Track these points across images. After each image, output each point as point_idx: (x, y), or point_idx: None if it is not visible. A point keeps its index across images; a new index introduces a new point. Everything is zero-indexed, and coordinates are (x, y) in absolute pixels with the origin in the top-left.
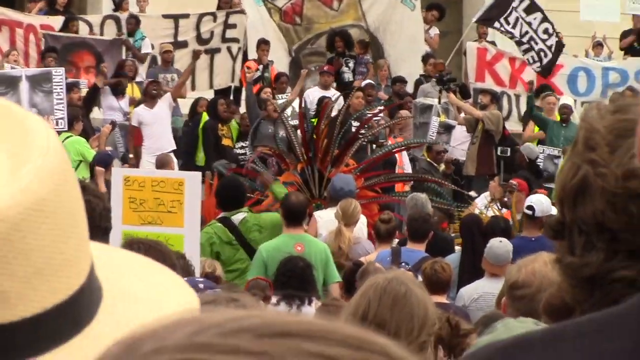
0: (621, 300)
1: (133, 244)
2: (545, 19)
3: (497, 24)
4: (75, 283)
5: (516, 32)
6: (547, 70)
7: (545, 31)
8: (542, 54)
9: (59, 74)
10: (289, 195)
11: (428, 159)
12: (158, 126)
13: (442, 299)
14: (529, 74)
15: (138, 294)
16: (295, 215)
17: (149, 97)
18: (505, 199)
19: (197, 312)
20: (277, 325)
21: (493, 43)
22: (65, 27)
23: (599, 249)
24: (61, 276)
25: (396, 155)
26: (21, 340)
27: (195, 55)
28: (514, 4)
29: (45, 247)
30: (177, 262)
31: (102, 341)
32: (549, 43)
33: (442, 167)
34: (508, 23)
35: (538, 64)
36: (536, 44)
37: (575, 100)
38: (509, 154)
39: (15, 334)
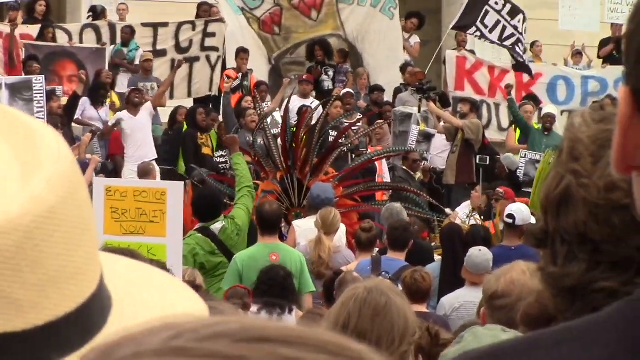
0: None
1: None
2: (525, 19)
3: (473, 29)
4: (87, 291)
5: (494, 36)
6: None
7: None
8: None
9: (39, 82)
10: (263, 204)
11: (404, 167)
12: (140, 134)
13: (422, 308)
14: (508, 81)
15: (147, 301)
16: (270, 224)
17: (132, 105)
18: (485, 208)
19: (174, 319)
20: (255, 330)
21: (472, 52)
22: (41, 35)
23: (580, 259)
24: (73, 284)
25: (376, 163)
26: (34, 348)
27: (178, 65)
28: (496, 7)
29: (58, 255)
30: None
31: None
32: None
33: (419, 175)
34: (486, 27)
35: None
36: (522, 44)
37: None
38: (488, 162)
39: (28, 342)
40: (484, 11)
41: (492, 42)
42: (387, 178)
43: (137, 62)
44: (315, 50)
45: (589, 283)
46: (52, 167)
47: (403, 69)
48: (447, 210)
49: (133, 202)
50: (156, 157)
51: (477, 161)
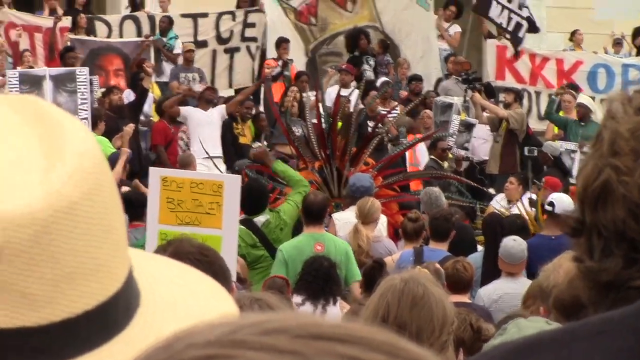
0: None
1: (182, 255)
2: None
3: (492, 12)
4: (109, 289)
5: (503, 19)
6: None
7: (520, 6)
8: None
9: (82, 73)
10: (308, 194)
11: (433, 157)
12: (207, 129)
13: (464, 298)
14: (550, 70)
15: (177, 302)
16: (315, 214)
17: (204, 101)
18: (530, 198)
19: (235, 316)
20: (312, 327)
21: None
22: (74, 24)
23: (617, 255)
24: (93, 282)
25: (406, 153)
26: (48, 344)
27: (260, 82)
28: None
29: (77, 252)
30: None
31: (134, 348)
32: (524, 14)
33: (446, 164)
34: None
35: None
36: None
37: (594, 97)
38: (535, 153)
39: (43, 338)
40: None
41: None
42: (422, 166)
43: (176, 51)
44: (361, 39)
45: (625, 280)
46: (75, 161)
47: (447, 58)
48: (491, 190)
49: (189, 194)
50: (221, 155)
51: (526, 152)
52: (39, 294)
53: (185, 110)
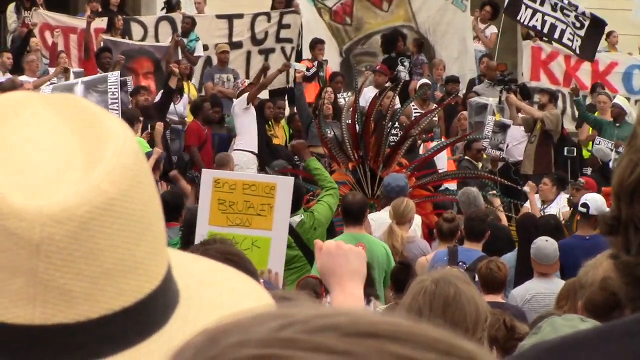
0: None
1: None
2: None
3: (522, 10)
4: (147, 287)
5: (537, 22)
6: (589, 50)
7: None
8: (574, 31)
9: (114, 76)
10: (346, 195)
11: (467, 157)
12: (251, 126)
13: (498, 298)
14: (584, 72)
15: (215, 301)
16: (355, 215)
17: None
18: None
19: (282, 307)
20: (364, 324)
21: (548, 41)
22: (110, 26)
23: None
24: (131, 279)
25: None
26: (85, 341)
27: (283, 66)
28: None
29: (115, 248)
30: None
31: (172, 346)
32: (578, 13)
33: (480, 165)
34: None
35: (578, 43)
36: (564, 23)
37: (628, 99)
38: (575, 153)
39: (80, 334)
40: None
41: (534, 29)
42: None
43: (195, 53)
44: (398, 41)
45: None
46: (114, 159)
47: (481, 59)
48: (525, 188)
49: (241, 195)
50: (256, 151)
51: (565, 153)
52: (77, 291)
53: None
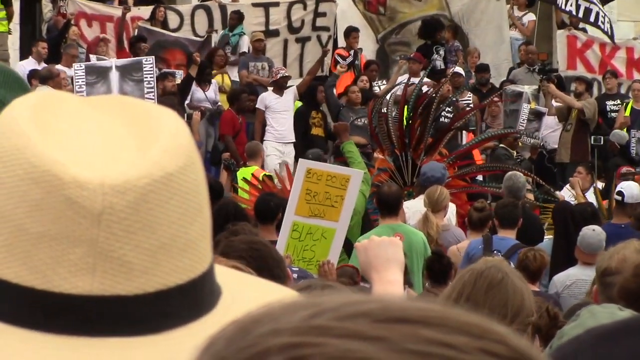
0: None
1: (232, 253)
2: None
3: (560, 2)
4: (199, 268)
5: (572, 7)
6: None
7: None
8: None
9: (149, 62)
10: (382, 186)
11: (503, 145)
12: (285, 115)
13: (534, 287)
14: (620, 59)
15: (252, 297)
16: (390, 206)
17: (278, 87)
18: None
19: (312, 296)
20: (395, 310)
21: (584, 30)
22: (153, 16)
23: None
24: (185, 257)
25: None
26: (141, 314)
27: (324, 53)
28: None
29: (171, 224)
30: None
31: None
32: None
33: (515, 153)
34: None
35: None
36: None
37: None
38: (602, 142)
39: (136, 307)
40: None
41: (571, 14)
42: None
43: (242, 49)
44: (438, 29)
45: None
46: (169, 139)
47: (519, 47)
48: (557, 194)
49: (324, 186)
50: (294, 140)
51: (592, 142)
52: (136, 263)
53: (261, 97)
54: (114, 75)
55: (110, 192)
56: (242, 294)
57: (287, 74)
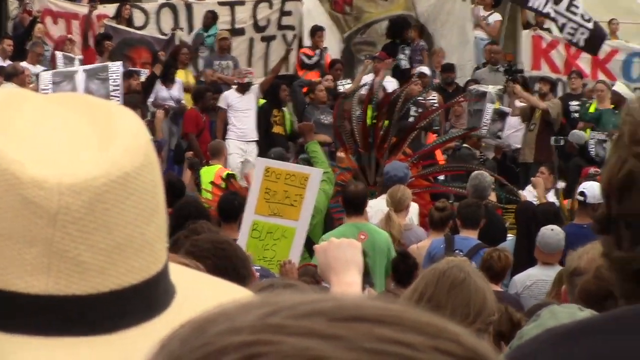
0: None
1: (198, 252)
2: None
3: (531, 2)
4: (153, 268)
5: (549, 9)
6: (593, 46)
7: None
8: (580, 31)
9: (115, 65)
10: (348, 185)
11: (467, 145)
12: (247, 113)
13: (495, 287)
14: (585, 60)
15: (206, 295)
16: (356, 205)
17: (241, 86)
18: (556, 188)
19: (268, 296)
20: (350, 309)
21: (548, 30)
22: (118, 14)
23: None
24: (140, 257)
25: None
26: (96, 314)
27: (287, 52)
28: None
29: (127, 224)
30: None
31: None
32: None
33: (478, 153)
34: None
35: (583, 37)
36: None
37: (628, 87)
38: (562, 143)
39: (91, 307)
40: None
41: (547, 16)
42: None
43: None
44: (406, 29)
45: None
46: (128, 138)
47: (485, 47)
48: (521, 193)
49: (283, 185)
50: (257, 139)
51: (552, 142)
52: (91, 263)
53: (224, 95)
54: (80, 76)
55: (66, 192)
56: (196, 292)
57: (252, 80)
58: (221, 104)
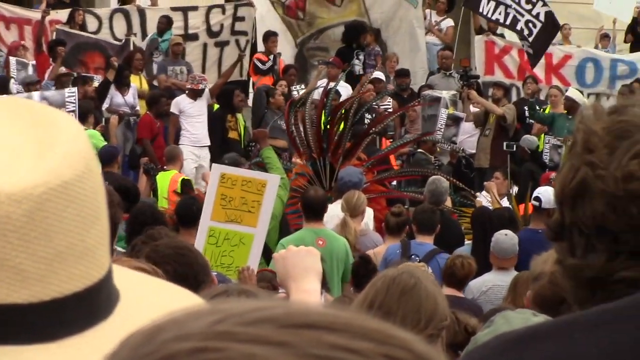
0: None
1: (159, 258)
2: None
3: (482, 9)
4: (95, 275)
5: (500, 15)
6: (537, 54)
7: (528, 1)
8: (530, 25)
9: (72, 93)
10: (308, 190)
11: (421, 150)
12: (199, 119)
13: (456, 292)
14: (538, 65)
15: (153, 300)
16: (315, 210)
17: (192, 91)
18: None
19: (217, 303)
20: (299, 315)
21: (502, 35)
22: (71, 19)
23: (599, 250)
24: (81, 265)
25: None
26: (37, 322)
27: (238, 58)
28: None
29: (68, 232)
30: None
31: (118, 336)
32: (534, 12)
33: (433, 158)
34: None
35: (528, 44)
36: (522, 16)
37: (581, 92)
38: (514, 148)
39: (32, 315)
40: None
41: (497, 22)
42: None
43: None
44: (362, 34)
45: (609, 273)
46: (68, 146)
47: (438, 53)
48: (485, 193)
49: (239, 191)
50: (209, 144)
51: (504, 147)
52: (31, 271)
53: (176, 101)
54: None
55: (6, 201)
56: (141, 298)
57: (205, 86)
58: (173, 109)
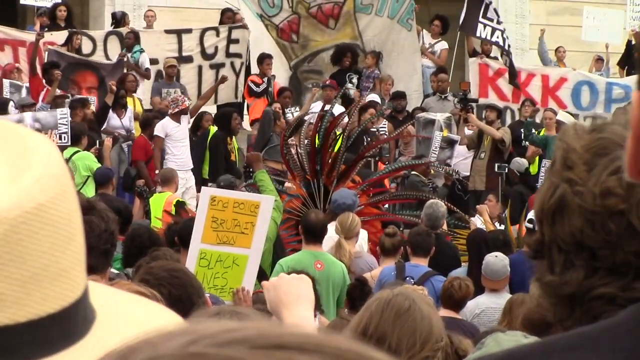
0: (602, 317)
1: (153, 280)
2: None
3: (479, 28)
4: (71, 296)
5: (499, 39)
6: (513, 75)
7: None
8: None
9: (64, 114)
10: (308, 213)
11: (415, 173)
12: (184, 142)
13: (454, 314)
14: (535, 87)
15: (130, 318)
16: (315, 233)
17: (177, 115)
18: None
19: (190, 324)
20: (272, 337)
21: (495, 58)
22: (69, 42)
23: (578, 266)
24: (57, 286)
25: None
26: (13, 344)
27: (221, 79)
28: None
29: (43, 254)
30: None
31: (92, 358)
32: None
33: (427, 180)
34: (491, 20)
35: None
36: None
37: (577, 115)
38: (506, 170)
39: (8, 338)
40: (483, 6)
41: (492, 43)
42: None
43: (145, 65)
44: (345, 56)
45: (587, 290)
46: (42, 168)
47: (431, 77)
48: (471, 220)
49: (231, 213)
50: (192, 166)
51: (496, 170)
52: (6, 294)
53: (161, 124)
54: (27, 117)
55: None
56: (118, 317)
57: (190, 104)
58: (158, 132)
